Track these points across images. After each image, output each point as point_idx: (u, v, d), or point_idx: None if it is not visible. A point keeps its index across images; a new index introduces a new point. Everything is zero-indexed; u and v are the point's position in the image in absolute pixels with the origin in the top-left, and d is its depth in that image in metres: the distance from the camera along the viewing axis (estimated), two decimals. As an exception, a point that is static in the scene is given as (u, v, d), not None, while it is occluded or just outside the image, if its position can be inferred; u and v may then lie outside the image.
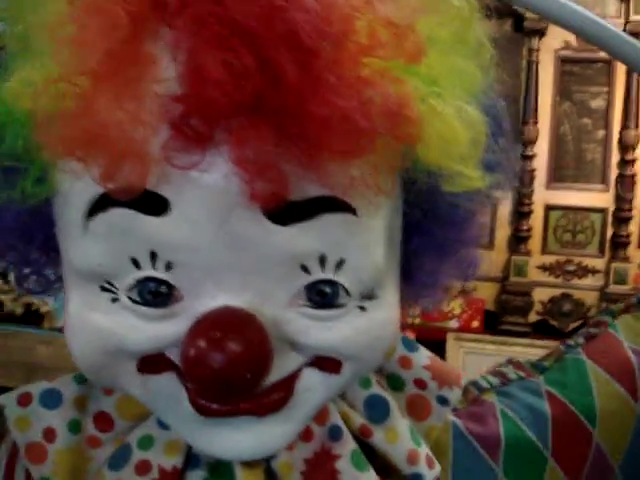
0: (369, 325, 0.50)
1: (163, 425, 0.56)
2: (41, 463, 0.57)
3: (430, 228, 0.55)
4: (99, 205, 0.46)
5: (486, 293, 4.11)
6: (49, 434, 0.58)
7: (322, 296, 0.48)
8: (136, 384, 0.51)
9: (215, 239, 0.45)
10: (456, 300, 4.02)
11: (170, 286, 0.47)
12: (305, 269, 0.47)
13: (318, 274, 0.47)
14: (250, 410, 0.49)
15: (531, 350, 3.84)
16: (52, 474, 0.57)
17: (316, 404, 0.52)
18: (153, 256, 0.46)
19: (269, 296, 0.47)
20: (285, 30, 0.41)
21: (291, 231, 0.45)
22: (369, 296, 0.49)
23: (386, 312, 0.51)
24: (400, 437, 0.58)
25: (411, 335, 4.11)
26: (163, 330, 0.48)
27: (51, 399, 0.59)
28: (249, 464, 0.54)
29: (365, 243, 0.48)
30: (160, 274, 0.47)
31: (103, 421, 0.58)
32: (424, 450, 0.59)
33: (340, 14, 0.43)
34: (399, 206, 0.52)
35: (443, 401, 0.62)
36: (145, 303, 0.48)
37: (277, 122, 0.41)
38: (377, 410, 0.59)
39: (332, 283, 0.48)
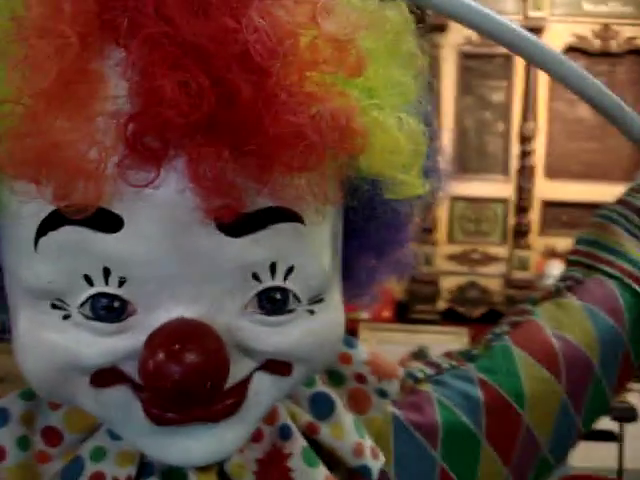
0: (318, 327, 0.51)
1: (114, 436, 0.56)
2: None
3: (369, 231, 0.56)
4: (50, 223, 0.45)
5: (395, 283, 4.19)
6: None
7: (273, 302, 0.48)
8: (89, 398, 0.50)
9: (168, 253, 0.45)
10: (367, 291, 4.10)
11: (123, 301, 0.47)
12: (256, 277, 0.47)
13: (269, 282, 0.48)
14: (204, 417, 0.49)
15: (440, 337, 3.95)
16: None
17: (267, 406, 0.53)
18: (106, 272, 0.46)
19: (222, 305, 0.48)
20: (238, 51, 0.42)
21: (243, 242, 0.46)
22: (317, 300, 0.51)
23: (333, 314, 0.52)
24: (345, 431, 0.60)
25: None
26: (117, 344, 0.48)
27: None
28: (202, 468, 0.55)
29: (313, 250, 0.50)
30: (113, 289, 0.46)
31: (51, 436, 0.57)
32: (368, 442, 0.61)
33: (286, 31, 0.44)
34: (341, 212, 0.54)
35: (383, 394, 0.64)
36: (98, 318, 0.47)
37: (231, 139, 0.42)
38: (322, 407, 0.60)
39: (282, 290, 0.48)
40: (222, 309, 0.48)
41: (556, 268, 3.99)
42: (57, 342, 0.48)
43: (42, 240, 0.46)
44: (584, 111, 4.55)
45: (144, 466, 0.56)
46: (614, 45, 4.56)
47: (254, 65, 0.42)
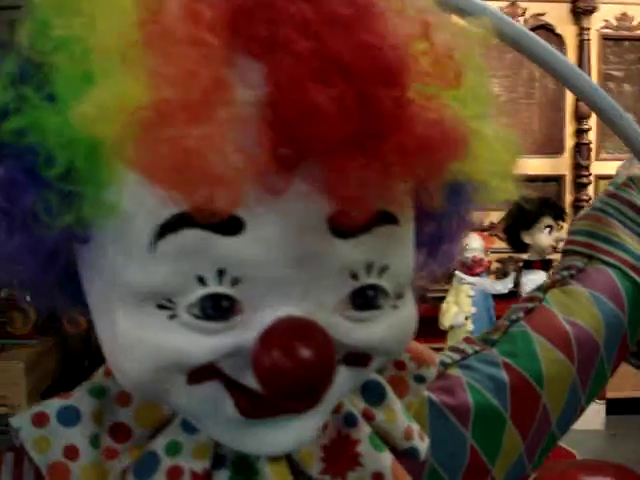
0: (400, 322, 0.54)
1: (188, 430, 0.57)
2: None
3: (432, 230, 0.59)
4: (170, 226, 0.46)
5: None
6: (71, 452, 0.57)
7: (365, 299, 0.51)
8: (182, 395, 0.51)
9: (285, 256, 0.47)
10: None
11: (233, 300, 0.49)
12: (354, 276, 0.50)
13: (364, 280, 0.50)
14: (294, 409, 0.51)
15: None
16: None
17: (342, 396, 0.55)
18: (221, 273, 0.47)
19: (322, 303, 0.50)
20: (379, 66, 0.44)
21: (350, 244, 0.48)
22: (400, 295, 0.54)
23: (410, 308, 0.56)
24: (397, 416, 0.64)
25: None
26: (222, 342, 0.49)
27: (69, 416, 0.58)
28: (273, 457, 0.56)
29: (403, 249, 0.53)
30: (225, 289, 0.48)
31: (120, 432, 0.58)
32: (415, 425, 0.65)
33: (406, 44, 0.47)
34: None
35: (421, 379, 0.68)
36: (206, 317, 0.48)
37: (371, 151, 0.44)
38: (375, 393, 0.64)
39: (375, 287, 0.51)
40: (322, 306, 0.50)
41: (475, 241, 4.12)
42: (163, 342, 0.49)
43: (160, 242, 0.47)
44: (495, 87, 4.69)
45: (216, 458, 0.58)
46: (522, 22, 4.71)
47: (393, 80, 0.45)
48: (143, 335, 0.49)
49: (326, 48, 0.43)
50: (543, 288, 0.80)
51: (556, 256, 4.35)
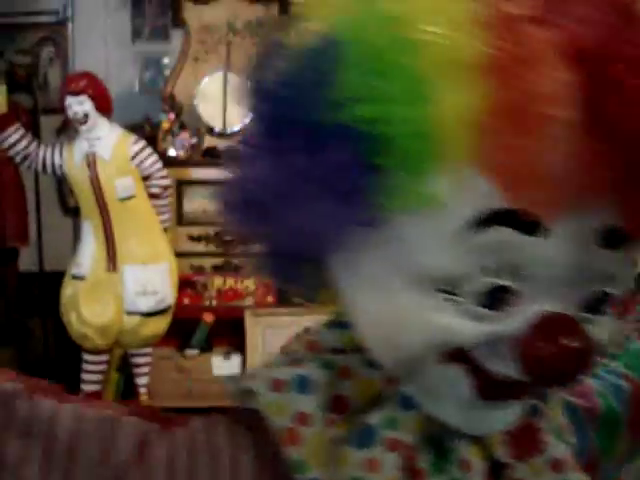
0: (609, 329, 0.59)
1: (405, 407, 0.60)
2: (295, 446, 0.59)
3: None
4: (484, 221, 0.50)
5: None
6: (303, 418, 0.60)
7: (596, 304, 0.56)
8: (430, 373, 0.55)
9: (570, 259, 0.52)
10: (250, 279, 4.18)
11: (513, 293, 0.52)
12: (598, 283, 0.55)
13: (602, 287, 0.56)
14: (524, 394, 0.57)
15: (322, 317, 4.07)
16: (307, 456, 0.59)
17: None
18: (513, 269, 0.51)
19: (572, 303, 0.55)
20: (631, 55, 0.50)
21: (613, 255, 0.54)
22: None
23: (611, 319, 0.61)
24: (558, 411, 0.70)
25: (210, 317, 4.15)
26: (488, 329, 0.53)
27: (304, 385, 0.61)
28: (473, 439, 0.61)
29: (634, 262, 0.58)
30: (511, 283, 0.52)
31: (339, 404, 0.61)
32: (565, 421, 0.71)
33: None
34: None
35: None
36: (483, 305, 0.52)
37: None
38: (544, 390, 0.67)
39: (608, 295, 0.56)
40: (571, 305, 0.56)
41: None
42: (439, 322, 0.53)
43: (470, 234, 0.51)
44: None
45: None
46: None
47: None
48: (422, 314, 0.53)
49: (586, 33, 0.49)
50: None
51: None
